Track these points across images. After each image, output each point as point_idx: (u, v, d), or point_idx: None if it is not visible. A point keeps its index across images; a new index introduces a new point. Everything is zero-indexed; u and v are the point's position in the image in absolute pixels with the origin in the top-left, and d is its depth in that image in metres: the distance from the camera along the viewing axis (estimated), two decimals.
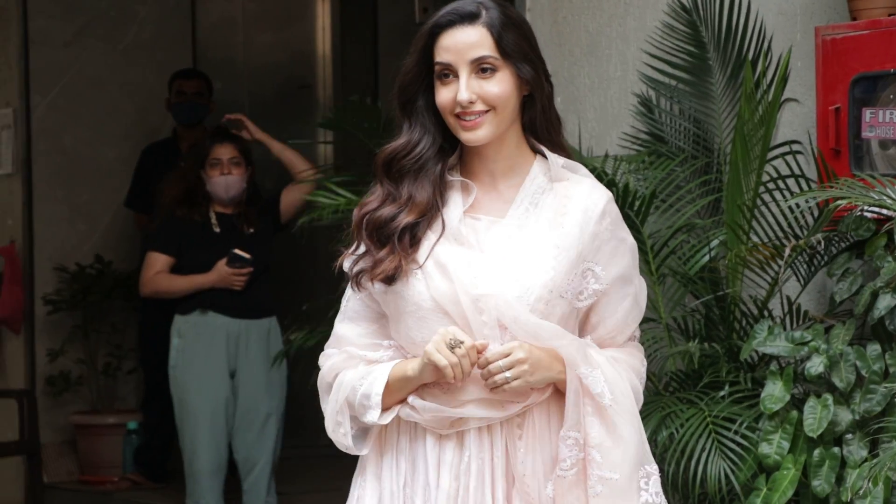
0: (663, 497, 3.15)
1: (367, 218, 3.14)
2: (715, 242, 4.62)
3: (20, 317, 8.46)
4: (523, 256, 3.06)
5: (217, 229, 6.72)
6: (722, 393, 4.43)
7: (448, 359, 2.99)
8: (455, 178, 3.15)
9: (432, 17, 3.13)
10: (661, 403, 4.43)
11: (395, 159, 3.13)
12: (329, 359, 3.22)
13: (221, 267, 6.61)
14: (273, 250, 6.88)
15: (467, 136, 3.09)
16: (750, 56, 4.81)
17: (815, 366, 4.25)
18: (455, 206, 3.12)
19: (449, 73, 3.09)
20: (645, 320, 4.73)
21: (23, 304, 8.46)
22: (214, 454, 6.68)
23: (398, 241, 3.08)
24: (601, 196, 3.14)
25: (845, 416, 4.21)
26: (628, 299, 3.19)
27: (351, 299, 3.21)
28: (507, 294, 3.04)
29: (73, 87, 8.59)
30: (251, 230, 6.75)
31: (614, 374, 3.11)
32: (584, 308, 3.14)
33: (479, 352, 3.02)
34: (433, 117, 3.14)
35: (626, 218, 4.66)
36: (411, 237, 3.10)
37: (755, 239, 4.59)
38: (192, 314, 6.70)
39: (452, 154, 3.16)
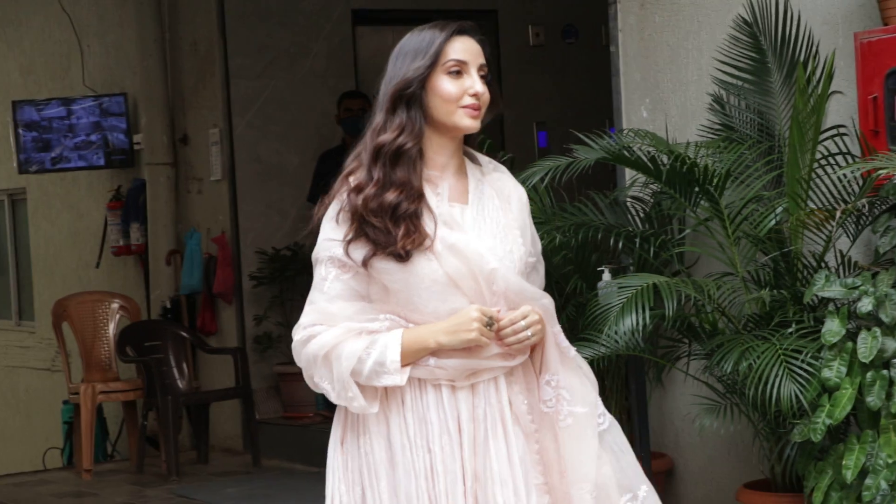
0: (610, 417, 3.04)
1: (372, 203, 2.88)
2: (779, 209, 4.55)
3: (231, 291, 8.57)
4: (500, 236, 2.94)
5: None
6: (790, 330, 4.37)
7: (490, 338, 2.87)
8: (433, 171, 2.94)
9: (443, 27, 2.94)
10: (740, 340, 4.37)
11: (397, 148, 2.91)
12: (320, 335, 2.91)
13: None
14: None
15: (471, 123, 2.92)
16: (801, 58, 4.74)
17: (865, 305, 4.18)
18: (432, 195, 2.93)
19: (461, 69, 2.92)
20: (724, 273, 4.70)
21: (233, 281, 8.57)
22: None
23: (412, 223, 2.86)
24: (522, 189, 3.05)
25: (891, 345, 4.14)
26: (541, 269, 3.08)
27: (334, 282, 2.92)
28: (503, 267, 2.91)
29: (265, 109, 8.67)
30: None
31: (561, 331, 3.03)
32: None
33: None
34: (423, 113, 2.93)
35: (706, 192, 4.64)
36: (417, 220, 2.89)
37: (812, 205, 4.53)
38: None
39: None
